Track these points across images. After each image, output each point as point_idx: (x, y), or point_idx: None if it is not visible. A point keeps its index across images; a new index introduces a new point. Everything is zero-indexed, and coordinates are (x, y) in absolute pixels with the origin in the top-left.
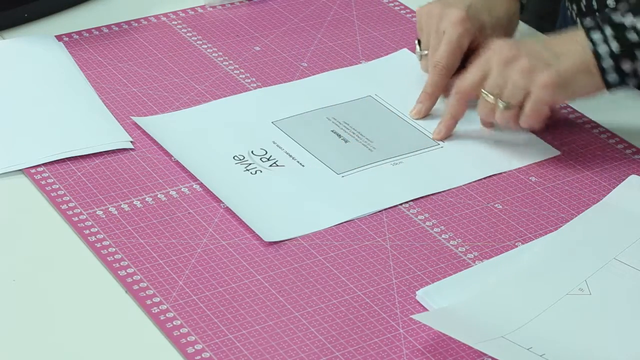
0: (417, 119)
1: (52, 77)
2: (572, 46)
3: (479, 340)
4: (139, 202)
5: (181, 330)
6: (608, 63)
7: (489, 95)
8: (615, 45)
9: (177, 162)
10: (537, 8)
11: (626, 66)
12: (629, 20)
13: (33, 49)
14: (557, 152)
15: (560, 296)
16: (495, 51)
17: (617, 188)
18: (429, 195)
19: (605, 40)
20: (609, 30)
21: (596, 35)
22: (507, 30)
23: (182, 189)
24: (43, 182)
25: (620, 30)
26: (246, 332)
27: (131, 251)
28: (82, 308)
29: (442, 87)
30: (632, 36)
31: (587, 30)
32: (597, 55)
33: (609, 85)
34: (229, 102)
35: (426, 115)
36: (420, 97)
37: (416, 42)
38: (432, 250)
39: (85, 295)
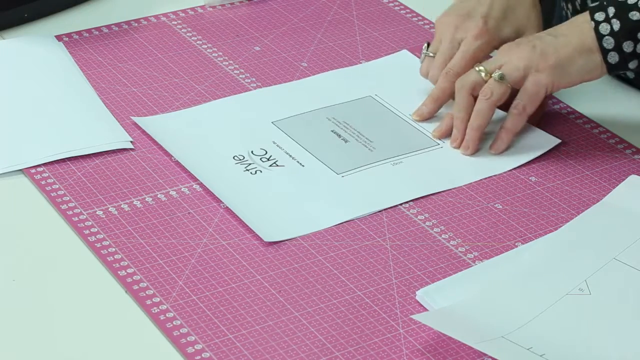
0: (418, 121)
1: (52, 77)
2: (571, 30)
3: (479, 340)
4: (139, 202)
5: (181, 330)
6: (609, 42)
7: (483, 70)
8: (617, 24)
9: (177, 162)
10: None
11: (627, 46)
12: None
13: (33, 49)
14: (557, 141)
15: (560, 296)
16: (502, 47)
17: (617, 188)
18: (429, 195)
19: (607, 20)
20: (612, 10)
21: (599, 15)
22: (535, 32)
23: (182, 189)
24: (43, 182)
25: (623, 8)
26: (246, 332)
27: (131, 251)
28: (82, 308)
29: (450, 94)
30: (635, 15)
31: (592, 11)
32: (599, 35)
33: (610, 67)
34: (229, 102)
35: (428, 119)
36: (426, 100)
37: (425, 44)
38: (432, 250)
39: (85, 295)
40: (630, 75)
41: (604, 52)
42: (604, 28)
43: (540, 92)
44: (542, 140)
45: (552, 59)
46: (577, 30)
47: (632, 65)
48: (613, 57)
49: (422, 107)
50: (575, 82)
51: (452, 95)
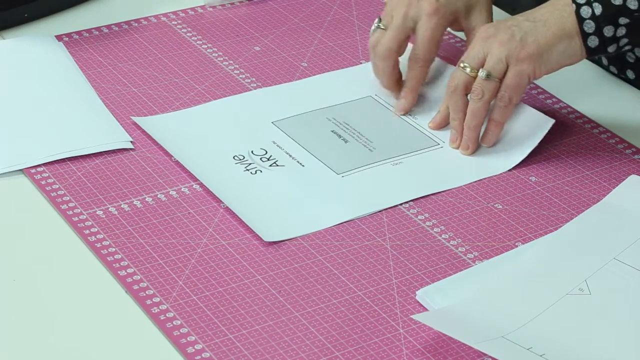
0: (402, 114)
1: (52, 77)
2: (550, 14)
3: (479, 340)
4: (139, 202)
5: (181, 330)
6: (590, 26)
7: (467, 66)
8: (598, 8)
9: (177, 162)
10: (533, 6)
11: (608, 31)
12: None
13: (33, 49)
14: (552, 121)
15: (560, 296)
16: (479, 33)
17: (617, 188)
18: (429, 195)
19: (589, 3)
20: None
21: None
22: (484, 6)
23: (182, 189)
24: (43, 182)
25: None
26: (246, 332)
27: (131, 251)
28: (82, 308)
29: (422, 79)
30: (616, 0)
31: None
32: (580, 18)
33: (589, 51)
34: (229, 102)
35: (410, 109)
36: (403, 92)
37: (377, 18)
38: (432, 250)
39: (85, 295)
40: (631, 75)
41: (584, 36)
42: (585, 11)
43: (523, 82)
44: (536, 124)
45: (532, 47)
46: (557, 14)
47: (611, 49)
48: (593, 41)
49: (402, 100)
50: (555, 68)
51: (424, 79)
